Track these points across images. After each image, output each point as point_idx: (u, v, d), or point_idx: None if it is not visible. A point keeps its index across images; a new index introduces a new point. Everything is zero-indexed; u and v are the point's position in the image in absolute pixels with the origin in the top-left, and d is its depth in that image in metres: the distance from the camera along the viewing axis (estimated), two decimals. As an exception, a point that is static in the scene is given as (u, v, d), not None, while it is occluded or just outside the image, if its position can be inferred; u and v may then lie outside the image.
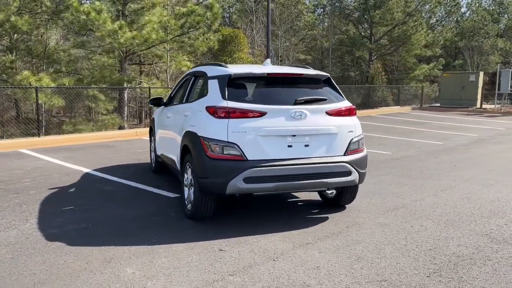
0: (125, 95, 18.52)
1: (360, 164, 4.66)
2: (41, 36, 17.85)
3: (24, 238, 4.04)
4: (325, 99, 4.67)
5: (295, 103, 4.45)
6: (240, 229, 4.35)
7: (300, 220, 4.71)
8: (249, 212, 5.00)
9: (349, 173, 4.53)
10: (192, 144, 4.45)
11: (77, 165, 7.59)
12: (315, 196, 5.52)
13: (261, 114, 4.28)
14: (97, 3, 15.52)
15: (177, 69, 23.11)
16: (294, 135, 4.34)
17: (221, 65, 4.97)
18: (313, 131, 4.41)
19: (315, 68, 5.54)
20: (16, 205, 5.11)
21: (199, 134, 4.36)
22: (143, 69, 23.12)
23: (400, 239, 4.13)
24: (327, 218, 4.77)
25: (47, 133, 12.67)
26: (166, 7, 18.85)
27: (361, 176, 4.70)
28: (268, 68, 4.95)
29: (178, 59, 21.31)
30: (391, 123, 16.25)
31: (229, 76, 4.53)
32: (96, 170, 7.20)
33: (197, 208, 4.48)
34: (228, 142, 4.18)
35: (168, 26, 18.00)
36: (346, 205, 5.23)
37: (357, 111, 5.06)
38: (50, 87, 14.43)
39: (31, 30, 15.24)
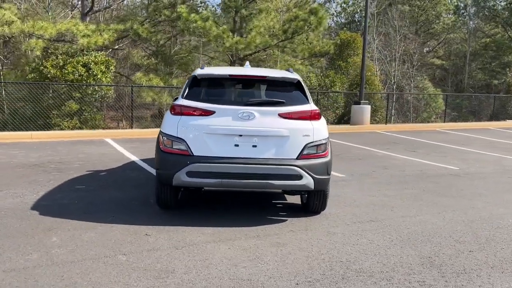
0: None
1: (316, 170, 4.56)
2: (166, 41, 20.18)
3: (18, 205, 4.95)
4: (282, 102, 4.69)
5: (246, 104, 4.57)
6: (188, 220, 4.64)
7: (256, 219, 4.78)
8: (219, 207, 5.24)
9: (299, 177, 4.48)
10: (157, 138, 4.90)
11: (133, 154, 8.62)
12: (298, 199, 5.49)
13: (210, 112, 4.52)
14: (204, 12, 16.94)
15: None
16: (241, 135, 4.47)
17: (202, 67, 5.30)
18: (262, 133, 4.47)
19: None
20: (45, 181, 6.17)
21: (160, 129, 4.79)
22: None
23: (324, 248, 3.97)
24: (284, 221, 4.77)
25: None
26: (274, 12, 19.50)
27: (318, 182, 4.59)
28: (233, 69, 5.14)
29: (291, 62, 21.88)
30: (503, 137, 14.38)
31: (195, 76, 4.86)
32: (142, 160, 8.10)
33: (157, 196, 4.90)
34: (177, 137, 4.52)
35: (273, 31, 18.67)
36: (322, 212, 5.12)
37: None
38: (159, 86, 16.30)
39: (150, 37, 17.33)
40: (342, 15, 38.55)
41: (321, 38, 22.01)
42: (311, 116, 4.66)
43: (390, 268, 3.58)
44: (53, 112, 14.06)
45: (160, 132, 4.71)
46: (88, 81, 15.08)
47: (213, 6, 18.64)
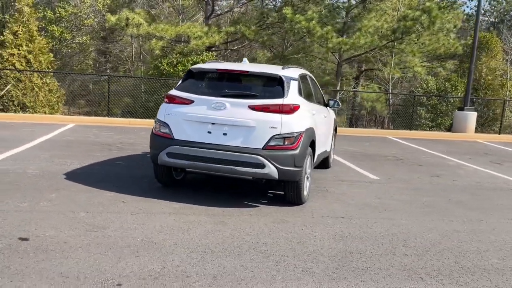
0: (337, 97, 19.69)
1: (281, 161, 4.78)
2: (281, 42, 21.06)
3: (57, 170, 6.14)
4: (254, 95, 4.99)
5: (221, 96, 5.00)
6: (171, 196, 5.23)
7: (232, 202, 5.14)
8: (210, 191, 5.76)
9: (262, 165, 4.76)
10: None
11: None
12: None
13: (189, 101, 5.06)
14: (309, 12, 17.30)
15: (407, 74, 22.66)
16: (213, 123, 4.92)
17: (207, 62, 5.82)
18: (231, 122, 4.86)
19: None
20: (100, 156, 7.37)
21: (156, 116, 5.49)
22: (368, 75, 23.64)
23: (254, 232, 4.20)
24: (256, 207, 5.05)
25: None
26: (383, 12, 18.87)
27: (283, 173, 4.80)
28: (224, 65, 5.55)
29: (408, 64, 21.01)
30: None
31: (190, 70, 5.45)
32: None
33: (154, 173, 5.62)
34: (163, 122, 5.17)
35: (381, 31, 18.17)
36: (306, 204, 5.27)
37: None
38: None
39: (257, 38, 18.33)
40: (488, 14, 34.89)
41: (448, 38, 20.47)
42: (281, 110, 4.86)
43: (287, 256, 3.69)
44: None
45: (156, 118, 5.42)
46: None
47: (320, 6, 18.57)
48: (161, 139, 5.14)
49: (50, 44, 16.90)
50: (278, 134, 4.80)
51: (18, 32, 14.02)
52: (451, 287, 3.31)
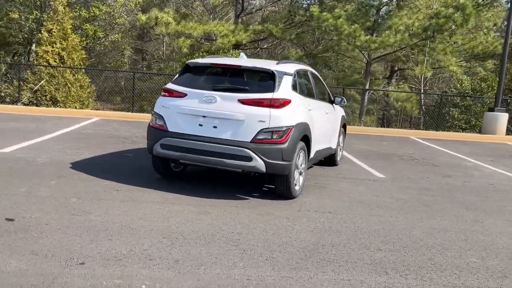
0: (365, 97, 19.43)
1: (268, 154, 4.83)
2: (312, 41, 21.02)
3: (66, 159, 6.43)
4: (245, 89, 5.06)
5: (213, 89, 5.10)
6: (165, 186, 5.40)
7: (224, 195, 5.23)
8: (207, 183, 5.89)
9: (249, 158, 4.83)
10: None
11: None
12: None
13: (182, 95, 5.20)
14: (336, 10, 17.16)
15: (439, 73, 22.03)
16: (204, 116, 5.04)
17: (206, 57, 5.93)
18: (221, 115, 4.96)
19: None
20: (111, 148, 7.67)
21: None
22: (401, 74, 23.10)
23: (232, 223, 4.27)
24: (246, 199, 5.12)
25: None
26: (417, 10, 18.42)
27: (271, 166, 4.85)
28: (221, 59, 5.64)
29: (445, 63, 20.48)
30: None
31: (187, 64, 5.59)
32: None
33: (153, 165, 5.80)
34: (159, 114, 5.34)
35: (412, 29, 17.77)
36: (297, 198, 5.30)
37: None
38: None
39: (284, 36, 18.38)
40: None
41: (487, 37, 19.74)
42: (271, 104, 4.91)
43: (257, 246, 3.74)
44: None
45: (153, 111, 5.59)
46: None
47: (351, 4, 18.37)
48: (156, 131, 5.31)
49: (84, 42, 17.59)
50: (266, 128, 4.85)
51: (53, 30, 14.69)
52: (413, 281, 3.26)
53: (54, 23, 14.78)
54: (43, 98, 13.82)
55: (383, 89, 21.04)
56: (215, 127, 4.98)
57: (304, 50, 22.49)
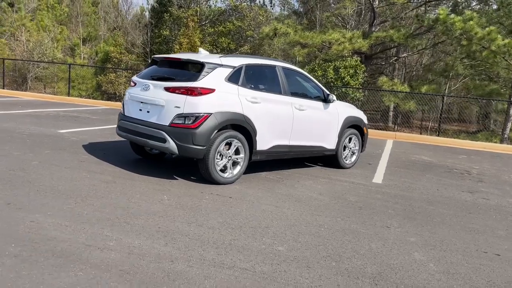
0: (511, 110, 17.01)
1: (180, 137, 5.31)
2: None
3: (97, 141, 7.86)
4: (173, 78, 5.60)
5: (152, 79, 5.79)
6: (133, 165, 6.27)
7: (179, 175, 5.88)
8: (181, 162, 6.55)
9: (164, 140, 5.40)
10: None
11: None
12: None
13: (134, 84, 6.04)
14: (467, 12, 15.46)
15: None
16: (142, 102, 5.79)
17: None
18: (151, 101, 5.64)
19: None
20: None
21: None
22: None
23: (134, 198, 4.89)
24: (184, 180, 5.65)
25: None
26: None
27: (182, 148, 5.32)
28: (175, 54, 6.20)
29: None
30: None
31: (152, 58, 6.38)
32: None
33: (130, 146, 6.76)
34: (123, 101, 6.30)
35: None
36: (224, 184, 5.60)
37: None
38: (398, 91, 16.24)
39: (407, 43, 17.22)
40: None
41: None
42: (188, 91, 5.36)
43: (108, 210, 4.30)
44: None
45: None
46: (336, 83, 16.96)
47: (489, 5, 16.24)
48: (119, 115, 6.27)
49: (218, 53, 19.82)
50: (181, 113, 5.33)
51: (183, 43, 17.17)
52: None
53: (185, 37, 17.24)
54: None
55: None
56: (148, 111, 5.68)
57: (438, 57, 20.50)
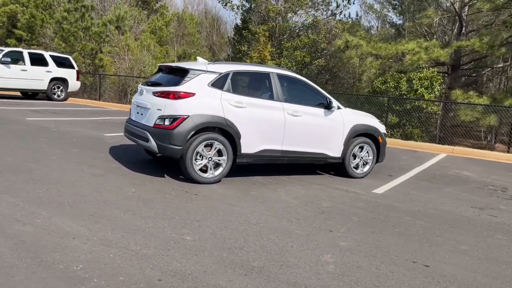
0: None
1: (159, 137, 5.77)
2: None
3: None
4: (160, 83, 6.08)
5: (146, 85, 6.35)
6: (137, 165, 6.90)
7: (171, 175, 6.38)
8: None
9: (147, 139, 5.92)
10: None
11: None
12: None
13: (138, 90, 6.66)
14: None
15: None
16: (138, 106, 6.38)
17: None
18: (143, 105, 6.20)
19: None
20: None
21: None
22: None
23: (101, 186, 5.45)
24: (172, 179, 6.12)
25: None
26: None
27: (161, 148, 5.78)
28: (170, 63, 6.65)
29: None
30: None
31: (158, 66, 6.95)
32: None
33: None
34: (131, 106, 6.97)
35: None
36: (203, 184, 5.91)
37: None
38: (477, 104, 14.90)
39: (491, 52, 15.68)
40: None
41: None
42: (168, 95, 5.81)
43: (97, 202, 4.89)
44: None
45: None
46: (409, 95, 16.21)
47: None
48: (127, 119, 6.93)
49: (293, 66, 20.13)
50: (162, 115, 5.79)
51: (253, 57, 17.85)
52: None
53: (256, 51, 17.91)
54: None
55: None
56: (141, 114, 6.24)
57: None
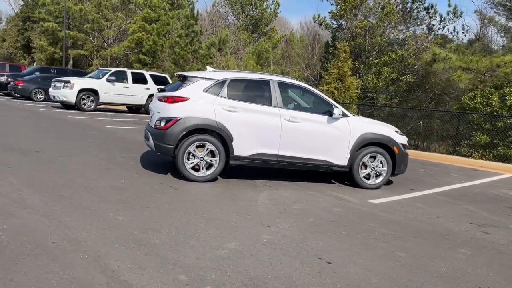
0: None
1: (156, 137, 6.42)
2: None
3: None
4: (163, 89, 6.73)
5: (159, 91, 7.06)
6: (156, 166, 7.63)
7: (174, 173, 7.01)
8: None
9: (148, 138, 6.61)
10: None
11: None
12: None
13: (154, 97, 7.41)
14: None
15: None
16: (151, 111, 7.11)
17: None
18: (152, 109, 6.91)
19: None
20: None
21: None
22: None
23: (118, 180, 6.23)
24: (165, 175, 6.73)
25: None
26: None
27: (156, 146, 6.41)
28: (183, 72, 7.20)
29: None
30: None
31: (176, 75, 7.62)
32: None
33: None
34: (152, 110, 7.73)
35: None
36: (196, 182, 6.36)
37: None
38: None
39: None
40: None
41: None
42: (166, 100, 6.43)
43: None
44: (464, 141, 14.92)
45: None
46: (502, 112, 14.78)
47: None
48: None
49: (382, 83, 19.57)
50: (160, 117, 6.44)
51: (333, 73, 17.85)
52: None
53: (335, 67, 17.89)
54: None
55: None
56: (151, 117, 6.97)
57: None
